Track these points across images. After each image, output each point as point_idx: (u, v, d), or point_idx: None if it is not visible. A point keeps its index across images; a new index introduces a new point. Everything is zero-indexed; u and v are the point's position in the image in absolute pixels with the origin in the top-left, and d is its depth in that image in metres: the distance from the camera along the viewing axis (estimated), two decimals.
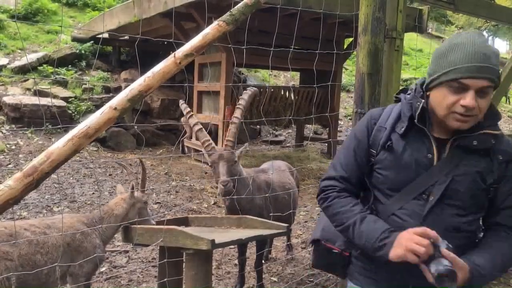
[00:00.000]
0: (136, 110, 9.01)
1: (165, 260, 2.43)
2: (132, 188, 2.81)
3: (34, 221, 2.55)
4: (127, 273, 3.68)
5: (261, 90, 8.55)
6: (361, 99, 2.65)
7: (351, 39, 9.45)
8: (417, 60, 18.15)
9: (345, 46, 9.49)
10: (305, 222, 5.37)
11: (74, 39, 11.28)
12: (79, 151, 1.76)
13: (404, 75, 15.65)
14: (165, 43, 11.44)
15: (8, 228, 2.29)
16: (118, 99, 1.81)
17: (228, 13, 2.05)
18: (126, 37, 11.28)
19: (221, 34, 2.02)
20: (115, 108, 1.79)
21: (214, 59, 7.92)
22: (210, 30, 1.97)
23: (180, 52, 1.90)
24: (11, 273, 2.20)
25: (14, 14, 11.61)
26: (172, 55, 1.89)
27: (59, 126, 1.95)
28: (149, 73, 1.88)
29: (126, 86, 1.87)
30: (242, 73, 13.10)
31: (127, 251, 4.11)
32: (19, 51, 10.84)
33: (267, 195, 3.22)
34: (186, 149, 9.08)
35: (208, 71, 8.44)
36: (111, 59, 11.48)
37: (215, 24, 2.00)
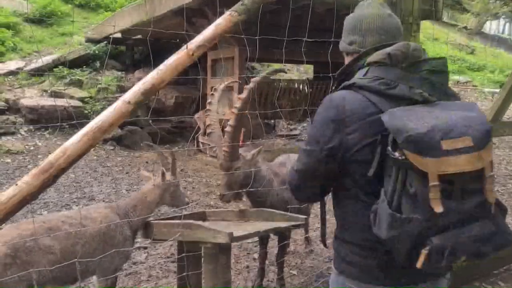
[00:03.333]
0: (151, 108, 9.09)
1: (184, 254, 2.43)
2: (163, 172, 2.78)
3: (70, 213, 2.54)
4: (146, 269, 3.69)
5: (275, 84, 8.50)
6: None
7: None
8: (434, 49, 17.82)
9: None
10: None
11: (88, 40, 11.38)
12: (94, 146, 1.76)
13: None
14: (177, 40, 11.45)
15: (47, 222, 2.31)
16: (132, 93, 1.80)
17: (240, 2, 2.02)
18: (139, 36, 11.33)
19: (233, 25, 1.99)
20: (129, 102, 1.78)
21: (226, 54, 7.90)
22: (222, 21, 1.94)
23: (193, 43, 1.88)
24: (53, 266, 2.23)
25: (28, 17, 11.77)
26: (184, 46, 1.87)
27: (74, 121, 1.95)
28: (161, 66, 1.86)
29: None
30: (255, 68, 13.05)
31: (145, 247, 4.13)
32: (35, 54, 11.00)
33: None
34: (201, 145, 9.09)
35: (221, 66, 8.43)
36: (124, 59, 11.56)
37: (227, 14, 1.98)
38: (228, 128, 2.83)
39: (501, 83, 16.54)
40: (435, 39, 18.35)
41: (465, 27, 25.94)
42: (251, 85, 2.87)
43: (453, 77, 16.80)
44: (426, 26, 15.75)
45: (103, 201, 5.53)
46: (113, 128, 1.77)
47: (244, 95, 2.85)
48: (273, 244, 3.88)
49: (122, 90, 10.11)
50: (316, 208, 5.45)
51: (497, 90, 14.91)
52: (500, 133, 3.56)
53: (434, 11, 4.41)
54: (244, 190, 2.96)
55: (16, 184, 1.61)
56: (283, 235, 3.32)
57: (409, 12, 2.62)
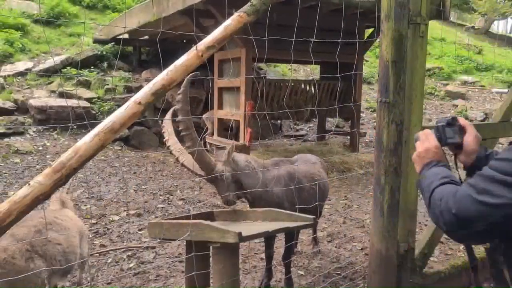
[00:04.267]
0: (158, 109, 9.14)
1: (192, 254, 2.44)
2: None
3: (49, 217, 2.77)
4: (154, 269, 3.72)
5: (281, 84, 8.50)
6: (386, 88, 2.60)
7: (371, 30, 9.30)
8: (441, 49, 17.71)
9: (365, 37, 9.35)
10: (330, 215, 5.32)
11: (96, 41, 11.46)
12: (106, 146, 1.78)
13: (427, 64, 15.31)
14: (184, 41, 11.52)
15: (43, 218, 2.54)
16: (142, 94, 1.82)
17: (249, 3, 2.03)
18: (146, 37, 11.39)
19: (242, 25, 2.00)
20: (139, 103, 1.80)
21: (233, 55, 7.92)
22: (231, 22, 1.96)
23: (202, 44, 1.89)
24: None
25: (37, 18, 11.87)
26: (194, 47, 1.88)
27: (85, 122, 2.00)
28: (171, 67, 1.88)
29: None
30: (262, 68, 13.06)
31: (154, 247, 4.16)
32: (43, 54, 11.09)
33: (290, 187, 3.19)
34: (208, 145, 9.13)
35: (228, 67, 8.45)
36: (131, 59, 11.62)
37: (236, 15, 1.99)
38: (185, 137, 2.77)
39: (509, 83, 16.43)
40: (442, 39, 18.22)
41: (473, 27, 25.76)
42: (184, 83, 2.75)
43: (461, 78, 16.72)
44: (433, 26, 15.66)
45: (111, 201, 5.56)
46: (124, 129, 1.78)
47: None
48: (281, 244, 3.89)
49: (130, 90, 10.17)
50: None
51: (505, 90, 14.81)
52: (510, 134, 3.54)
53: (442, 11, 4.37)
54: (247, 191, 2.97)
55: (29, 184, 1.63)
56: (291, 234, 3.32)
57: (417, 12, 2.62)
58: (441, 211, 1.19)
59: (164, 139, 2.92)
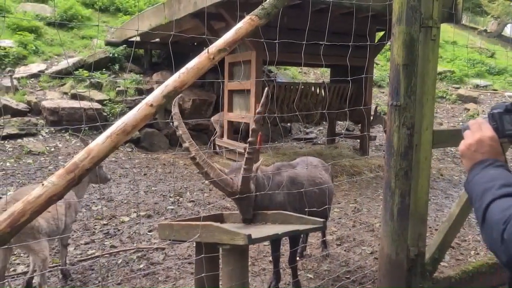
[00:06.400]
0: (169, 111, 9.21)
1: (202, 255, 2.45)
2: None
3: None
4: (164, 270, 3.73)
5: (292, 87, 8.50)
6: (397, 91, 2.59)
7: (382, 33, 9.27)
8: (453, 52, 17.56)
9: (376, 40, 9.32)
10: (339, 218, 5.30)
11: (108, 44, 11.57)
12: (118, 148, 1.80)
13: (438, 67, 15.17)
14: (195, 44, 11.58)
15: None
16: (154, 96, 1.83)
17: (260, 7, 2.04)
18: (157, 40, 11.48)
19: (253, 29, 2.01)
20: (151, 105, 1.82)
21: (244, 57, 7.95)
22: (242, 25, 1.97)
23: (214, 47, 1.91)
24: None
25: (51, 21, 12.02)
26: (205, 50, 1.90)
27: (96, 123, 2.01)
28: (183, 69, 1.89)
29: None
30: (272, 71, 13.08)
31: (163, 248, 4.18)
32: (56, 57, 11.23)
33: (291, 192, 3.17)
34: (218, 148, 9.15)
35: (238, 70, 8.47)
36: (143, 62, 11.71)
37: (247, 18, 2.00)
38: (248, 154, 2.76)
39: None
40: (454, 42, 18.07)
41: (485, 30, 25.52)
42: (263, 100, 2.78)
43: (473, 81, 16.56)
44: (445, 29, 15.54)
45: (122, 202, 5.61)
46: (136, 130, 1.80)
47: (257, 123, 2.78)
48: (288, 246, 3.89)
49: (141, 93, 10.25)
50: (332, 212, 5.44)
51: None
52: None
53: (454, 14, 4.36)
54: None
55: (43, 184, 1.65)
56: (295, 238, 3.30)
57: (429, 15, 2.61)
58: (505, 240, 0.89)
59: (184, 146, 2.70)
